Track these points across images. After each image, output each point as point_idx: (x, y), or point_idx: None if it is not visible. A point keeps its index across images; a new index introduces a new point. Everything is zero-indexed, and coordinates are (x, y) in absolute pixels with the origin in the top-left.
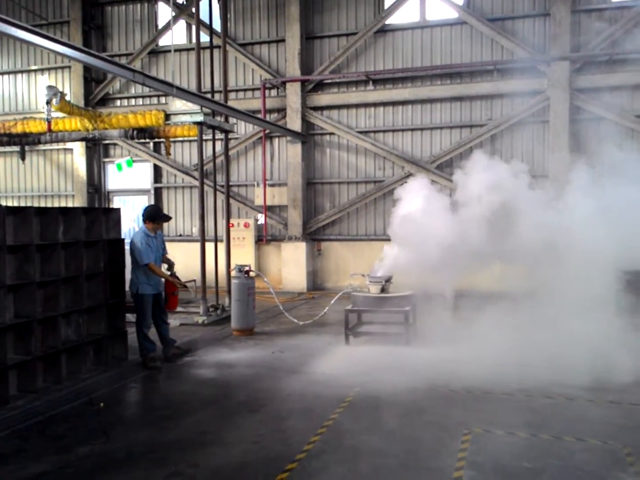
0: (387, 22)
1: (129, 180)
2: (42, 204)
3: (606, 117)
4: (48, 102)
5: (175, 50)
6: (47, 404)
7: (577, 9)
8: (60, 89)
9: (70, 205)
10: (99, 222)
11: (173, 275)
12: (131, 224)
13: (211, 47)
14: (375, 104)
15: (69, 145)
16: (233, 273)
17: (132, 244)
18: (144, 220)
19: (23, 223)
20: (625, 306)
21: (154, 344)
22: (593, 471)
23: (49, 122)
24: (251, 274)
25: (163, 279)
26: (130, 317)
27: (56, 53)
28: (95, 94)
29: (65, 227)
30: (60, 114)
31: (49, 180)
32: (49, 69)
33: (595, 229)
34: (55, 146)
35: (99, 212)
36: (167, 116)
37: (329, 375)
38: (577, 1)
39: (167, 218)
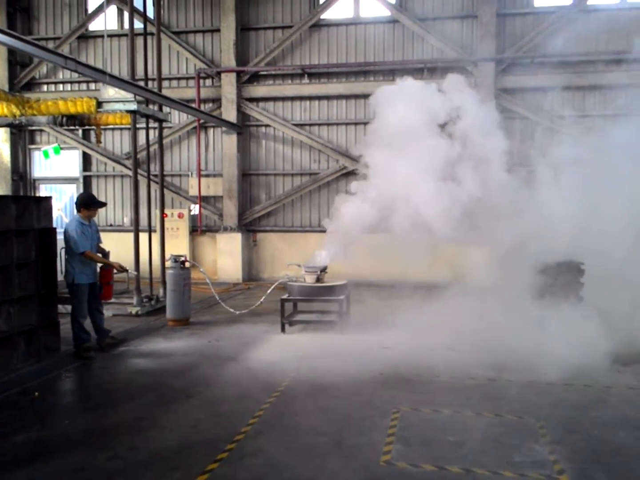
0: (322, 17)
1: (56, 168)
2: None
3: (528, 116)
4: None
5: (107, 36)
6: None
7: (502, 12)
8: None
9: None
10: (29, 211)
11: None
12: (59, 212)
13: (145, 34)
14: (310, 98)
15: None
16: (168, 263)
17: (66, 232)
18: (78, 209)
19: None
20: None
21: (89, 334)
22: (509, 442)
23: None
24: (186, 264)
25: (98, 269)
26: (62, 308)
27: None
28: (21, 78)
29: None
30: None
31: None
32: None
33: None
34: None
35: (30, 200)
36: (99, 103)
37: (265, 363)
38: (503, 4)
39: (102, 204)
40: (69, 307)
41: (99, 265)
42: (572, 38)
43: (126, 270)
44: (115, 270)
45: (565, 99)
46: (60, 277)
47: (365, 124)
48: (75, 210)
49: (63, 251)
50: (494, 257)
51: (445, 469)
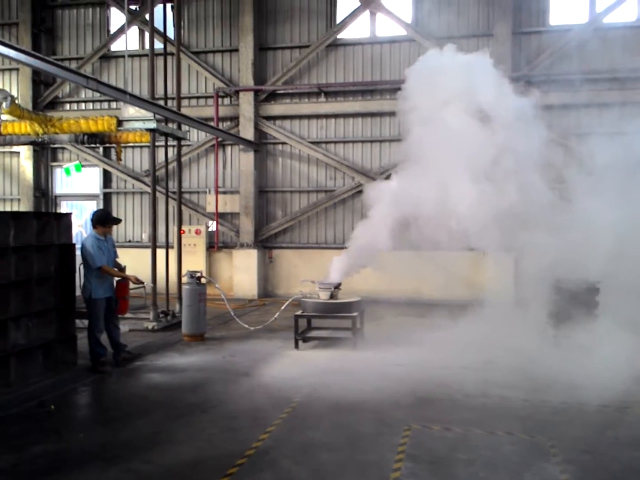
0: (339, 36)
1: (78, 185)
2: None
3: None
4: None
5: (128, 56)
6: None
7: (518, 31)
8: (8, 92)
9: (15, 209)
10: (50, 227)
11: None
12: (79, 229)
13: (165, 54)
14: (327, 116)
15: (15, 148)
16: (184, 279)
17: (83, 248)
18: (94, 225)
19: None
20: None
21: (105, 348)
22: (520, 461)
23: None
24: (202, 280)
25: (115, 283)
26: (79, 322)
27: (10, 58)
28: (44, 97)
29: (16, 232)
30: (10, 117)
31: None
32: None
33: None
34: (1, 149)
35: (50, 217)
36: (120, 122)
37: (278, 379)
38: (518, 24)
39: (117, 221)
40: (86, 322)
41: (116, 279)
42: (588, 56)
43: (142, 283)
44: (131, 284)
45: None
46: (78, 292)
47: (381, 141)
48: (91, 227)
49: (81, 267)
50: (514, 275)
51: None
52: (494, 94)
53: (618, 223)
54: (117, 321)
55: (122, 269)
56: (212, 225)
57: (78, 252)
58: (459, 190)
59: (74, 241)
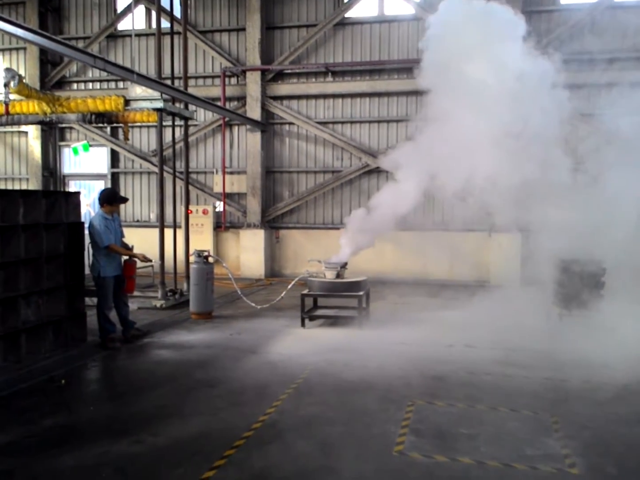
0: (347, 15)
1: (85, 164)
2: None
3: None
4: (6, 85)
5: (135, 36)
6: (8, 381)
7: (527, 9)
8: (16, 71)
9: (24, 188)
10: (59, 205)
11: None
12: (87, 208)
13: (172, 33)
14: (334, 96)
15: (23, 128)
16: (192, 258)
17: (91, 227)
18: (101, 204)
19: None
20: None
21: (114, 325)
22: (522, 437)
23: (7, 105)
24: (210, 259)
25: (122, 262)
26: (88, 300)
27: (17, 37)
28: (52, 76)
29: (26, 210)
30: (18, 97)
31: (2, 163)
32: (2, 50)
33: None
34: (9, 129)
35: (59, 195)
36: (127, 101)
37: (284, 355)
38: (528, 2)
39: (124, 200)
40: (95, 300)
41: (123, 258)
42: (599, 35)
43: (150, 261)
44: (139, 263)
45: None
46: (87, 270)
47: (388, 121)
48: (98, 206)
49: (90, 245)
50: (520, 255)
51: (457, 460)
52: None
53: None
54: (126, 299)
55: (129, 248)
56: (220, 206)
57: (87, 231)
58: (479, 155)
59: (82, 220)
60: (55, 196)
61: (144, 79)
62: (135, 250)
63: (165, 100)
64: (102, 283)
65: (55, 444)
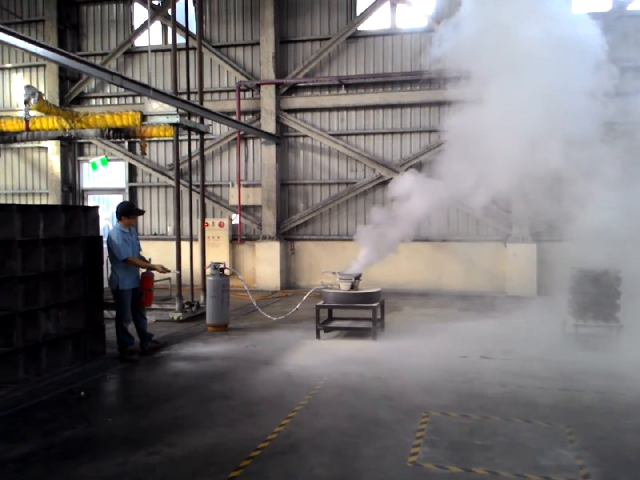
0: (359, 28)
1: (104, 179)
2: (16, 202)
3: None
4: (26, 102)
5: (151, 51)
6: (29, 393)
7: None
8: (36, 88)
9: (44, 203)
10: (77, 219)
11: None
12: (105, 222)
13: (187, 48)
14: (347, 108)
15: (43, 143)
16: (208, 271)
17: (109, 241)
18: (119, 217)
19: (5, 220)
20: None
21: (132, 337)
22: (536, 447)
23: (27, 122)
24: (226, 271)
25: (140, 275)
26: (107, 313)
27: (37, 55)
28: (71, 92)
29: (46, 224)
30: (38, 113)
31: (22, 178)
32: (23, 67)
33: None
34: (29, 144)
35: (78, 210)
36: (144, 117)
37: (300, 367)
38: None
39: (141, 212)
40: (113, 313)
41: (141, 272)
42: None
43: (169, 271)
44: (157, 275)
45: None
46: (105, 283)
47: (401, 133)
48: (116, 219)
49: (108, 259)
50: (536, 265)
51: (471, 470)
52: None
53: None
54: (143, 311)
55: (146, 261)
56: (235, 218)
57: (105, 245)
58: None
59: (101, 234)
60: (74, 211)
61: (160, 95)
62: (153, 263)
63: (181, 115)
64: (120, 296)
65: (74, 454)
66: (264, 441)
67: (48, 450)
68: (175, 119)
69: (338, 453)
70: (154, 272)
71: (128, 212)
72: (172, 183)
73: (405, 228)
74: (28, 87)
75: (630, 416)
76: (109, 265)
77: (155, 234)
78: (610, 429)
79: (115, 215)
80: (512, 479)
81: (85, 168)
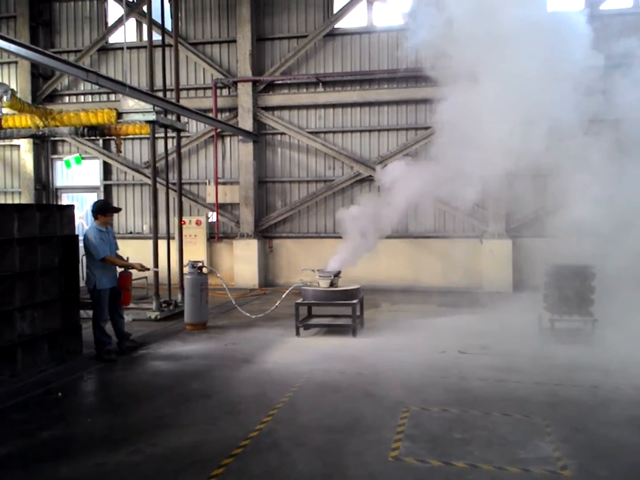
0: (336, 26)
1: (78, 177)
2: None
3: None
4: None
5: (126, 48)
6: (5, 394)
7: None
8: (8, 85)
9: (16, 202)
10: (53, 218)
11: (128, 267)
12: (80, 220)
13: (163, 45)
14: (325, 106)
15: (15, 141)
16: (186, 269)
17: (86, 240)
18: (95, 215)
19: None
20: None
21: (110, 337)
22: (515, 440)
23: (0, 119)
24: (204, 270)
25: (118, 274)
26: (83, 313)
27: (11, 52)
28: (43, 90)
29: (20, 224)
30: (10, 111)
31: None
32: None
33: None
34: (0, 142)
35: (53, 208)
36: (119, 114)
37: (280, 364)
38: None
39: (117, 209)
40: (89, 312)
41: (119, 271)
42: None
43: (148, 269)
44: (137, 271)
45: None
46: (82, 283)
47: (379, 130)
48: (92, 218)
49: (84, 258)
50: (512, 261)
51: (452, 464)
52: None
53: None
54: (121, 311)
55: (124, 260)
56: (213, 216)
57: (81, 244)
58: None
59: (76, 232)
60: (49, 209)
61: (136, 92)
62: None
63: (157, 113)
64: (98, 295)
65: (53, 455)
66: (245, 439)
67: (26, 452)
68: (152, 117)
69: (320, 449)
70: (133, 270)
71: (104, 210)
72: (148, 181)
73: (391, 217)
74: (0, 85)
75: (605, 409)
76: (85, 264)
77: (130, 233)
78: (586, 421)
79: (91, 213)
80: (492, 472)
81: (59, 166)
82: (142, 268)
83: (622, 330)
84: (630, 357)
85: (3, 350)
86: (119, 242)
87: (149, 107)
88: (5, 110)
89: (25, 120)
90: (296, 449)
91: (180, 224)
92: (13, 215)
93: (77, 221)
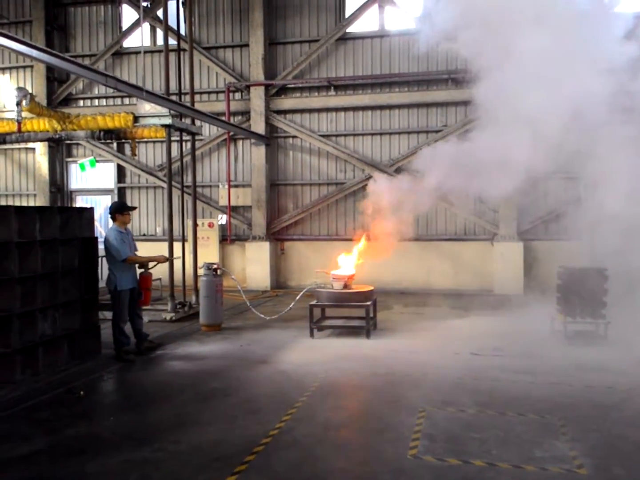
0: (348, 30)
1: (92, 180)
2: (3, 204)
3: None
4: (18, 103)
5: (141, 52)
6: (28, 393)
7: None
8: (27, 90)
9: (32, 204)
10: (73, 221)
11: (148, 268)
12: (95, 223)
13: (178, 50)
14: (336, 109)
15: (30, 144)
16: (201, 271)
17: (106, 242)
18: (113, 217)
19: (2, 221)
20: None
21: (128, 337)
22: (531, 439)
23: (19, 123)
24: (218, 271)
25: (139, 274)
26: (100, 314)
27: (31, 57)
28: (58, 93)
29: (42, 226)
30: (29, 115)
31: (9, 179)
32: (10, 68)
33: None
34: (16, 145)
35: (73, 211)
36: (136, 118)
37: (296, 365)
38: None
39: (133, 208)
40: (106, 314)
41: (139, 271)
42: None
43: (171, 259)
44: (161, 263)
45: None
46: (101, 284)
47: (390, 134)
48: (110, 220)
49: (104, 259)
50: (523, 264)
51: (470, 462)
52: None
53: None
54: (140, 311)
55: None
56: (223, 219)
57: (101, 246)
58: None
59: (95, 234)
60: (69, 212)
61: (153, 96)
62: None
63: (173, 117)
64: (118, 296)
65: (79, 451)
66: (266, 437)
67: (52, 449)
68: (168, 121)
69: (340, 447)
70: (155, 264)
71: (121, 209)
72: (161, 184)
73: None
74: (20, 89)
75: (619, 409)
76: (106, 266)
77: (144, 235)
78: (601, 421)
79: (109, 215)
80: (510, 470)
81: (74, 169)
82: (166, 259)
83: (636, 331)
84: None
85: (25, 350)
86: None
87: (165, 111)
88: (23, 114)
89: (43, 124)
90: (317, 446)
91: (195, 226)
92: (35, 217)
93: None
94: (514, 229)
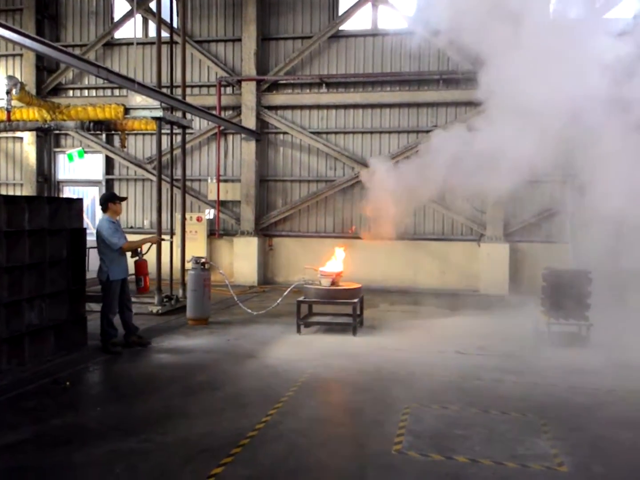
0: (341, 28)
1: (80, 170)
2: None
3: None
4: (8, 92)
5: (132, 44)
6: (14, 383)
7: None
8: (17, 79)
9: (18, 194)
10: (62, 211)
11: (142, 254)
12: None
13: (171, 43)
14: (328, 106)
15: (18, 133)
16: (189, 265)
17: (99, 233)
18: (105, 206)
19: None
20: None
21: (116, 329)
22: (513, 437)
23: (9, 112)
24: (207, 265)
25: (134, 262)
26: (87, 306)
27: (25, 47)
28: (48, 83)
29: (31, 216)
30: (18, 104)
31: None
32: None
33: None
34: (4, 134)
35: (62, 201)
36: (126, 110)
37: (283, 360)
38: None
39: (123, 198)
40: (93, 305)
41: (133, 260)
42: None
43: (164, 240)
44: (154, 243)
45: None
46: (89, 275)
47: (380, 132)
48: (101, 211)
49: (97, 250)
50: (509, 264)
51: (453, 458)
52: None
53: None
54: (129, 303)
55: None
56: (210, 213)
57: (90, 238)
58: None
59: (84, 226)
60: (58, 202)
61: (144, 89)
62: (129, 258)
63: (164, 109)
64: (110, 287)
65: (65, 441)
66: (253, 430)
67: (39, 438)
68: (159, 113)
69: (325, 442)
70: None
71: (112, 198)
72: (150, 176)
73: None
74: (10, 78)
75: (600, 409)
76: (94, 257)
77: (131, 227)
78: (582, 421)
79: (100, 206)
80: (492, 466)
81: (61, 159)
82: (158, 240)
83: (617, 334)
84: (625, 360)
85: (11, 340)
86: None
87: (156, 103)
88: (13, 103)
89: (32, 114)
90: (302, 440)
91: (184, 220)
92: (24, 207)
93: None
94: (500, 230)
